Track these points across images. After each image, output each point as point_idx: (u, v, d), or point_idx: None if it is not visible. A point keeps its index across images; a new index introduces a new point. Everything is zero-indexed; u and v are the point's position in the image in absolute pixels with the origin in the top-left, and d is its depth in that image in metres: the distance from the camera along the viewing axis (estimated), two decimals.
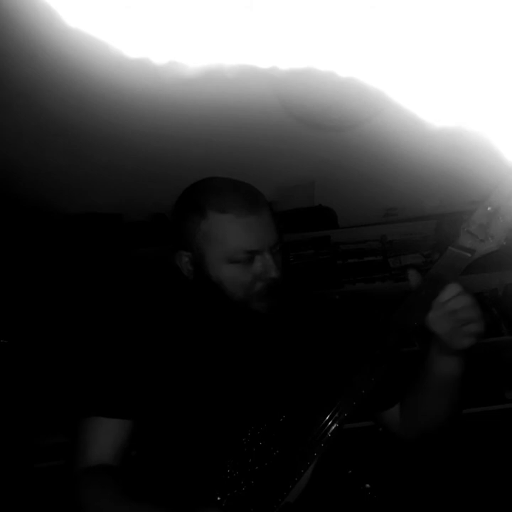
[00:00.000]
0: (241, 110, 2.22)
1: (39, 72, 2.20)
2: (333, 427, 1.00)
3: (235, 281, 1.07)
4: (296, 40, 0.66)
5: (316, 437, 1.00)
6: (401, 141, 2.00)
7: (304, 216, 2.87)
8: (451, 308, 0.97)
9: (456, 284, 0.99)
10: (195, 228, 1.08)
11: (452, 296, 0.98)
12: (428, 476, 2.25)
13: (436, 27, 0.64)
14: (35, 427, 2.36)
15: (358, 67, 0.67)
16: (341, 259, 2.83)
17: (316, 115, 2.55)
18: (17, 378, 2.35)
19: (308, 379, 1.12)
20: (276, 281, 1.07)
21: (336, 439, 1.00)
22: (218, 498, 1.00)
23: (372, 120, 2.47)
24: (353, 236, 2.86)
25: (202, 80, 0.72)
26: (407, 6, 0.64)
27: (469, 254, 0.95)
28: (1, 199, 2.37)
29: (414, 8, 0.64)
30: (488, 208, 0.92)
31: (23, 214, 2.51)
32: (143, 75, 1.45)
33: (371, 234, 2.88)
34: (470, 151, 1.06)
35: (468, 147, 0.99)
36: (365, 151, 2.53)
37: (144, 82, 1.76)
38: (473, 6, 0.62)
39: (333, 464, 1.09)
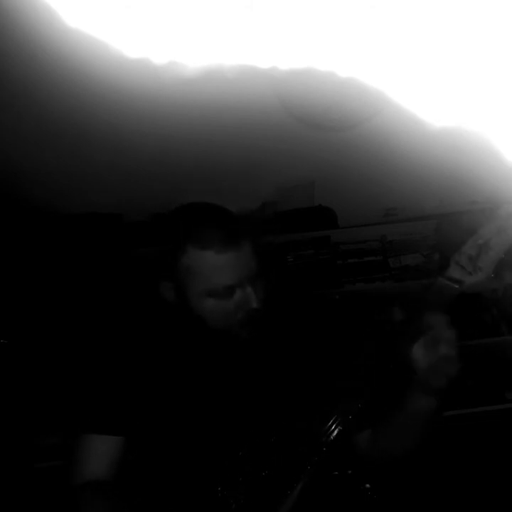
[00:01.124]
0: (241, 110, 2.22)
1: (39, 72, 2.20)
2: (318, 453, 1.02)
3: (215, 314, 1.09)
4: (296, 40, 0.66)
5: (302, 461, 1.03)
6: (401, 141, 2.00)
7: (304, 216, 2.87)
8: (435, 338, 0.99)
9: (442, 316, 0.99)
10: (176, 262, 1.09)
11: (437, 328, 0.99)
12: (428, 476, 2.25)
13: (436, 27, 0.64)
14: (35, 427, 2.36)
15: (358, 67, 0.67)
16: (341, 259, 2.83)
17: (316, 115, 2.55)
18: (17, 378, 2.35)
19: (296, 399, 1.13)
20: (258, 310, 1.09)
21: (322, 462, 1.03)
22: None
23: (372, 120, 2.47)
24: (353, 236, 2.86)
25: (202, 80, 0.72)
26: (407, 6, 0.64)
27: (457, 286, 0.96)
28: (1, 199, 2.36)
29: (414, 8, 0.64)
30: (479, 241, 0.96)
31: (23, 214, 2.51)
32: (143, 75, 1.45)
33: (371, 234, 2.87)
34: (470, 151, 1.06)
35: (468, 147, 0.99)
36: (365, 151, 2.53)
37: (144, 82, 1.76)
38: (473, 6, 0.62)
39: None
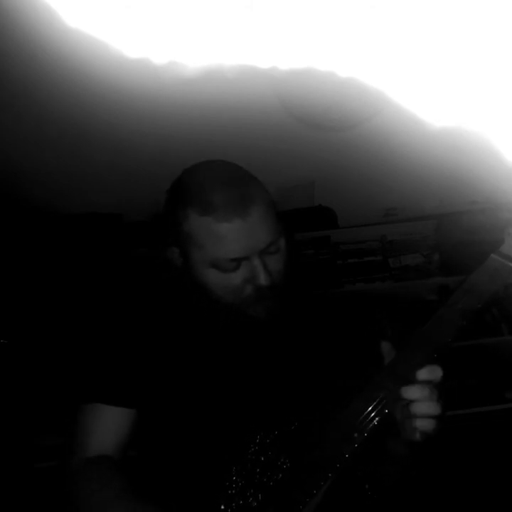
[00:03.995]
0: (241, 110, 2.22)
1: (39, 72, 2.20)
2: (352, 444, 0.86)
3: (220, 287, 0.97)
4: (296, 40, 0.66)
5: (333, 450, 0.87)
6: (401, 141, 2.00)
7: (304, 216, 2.87)
8: (408, 396, 0.85)
9: (434, 367, 0.86)
10: (179, 227, 0.98)
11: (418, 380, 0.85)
12: (428, 476, 2.25)
13: (436, 27, 0.64)
14: (35, 427, 2.36)
15: (358, 67, 0.67)
16: (341, 259, 2.83)
17: (316, 115, 2.55)
18: (17, 378, 2.35)
19: (316, 385, 1.03)
20: (270, 287, 0.96)
21: (356, 455, 0.87)
22: (222, 507, 0.93)
23: (372, 120, 2.47)
24: (353, 236, 2.86)
25: (202, 80, 0.72)
26: (407, 6, 0.64)
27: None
28: (1, 199, 2.36)
29: (414, 8, 0.64)
30: None
31: (23, 214, 2.51)
32: (143, 75, 1.45)
33: (371, 234, 2.88)
34: (470, 151, 1.06)
35: (468, 147, 0.99)
36: (365, 151, 2.53)
37: (144, 82, 1.76)
38: (473, 6, 0.62)
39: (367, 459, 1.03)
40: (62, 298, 2.51)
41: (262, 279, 0.94)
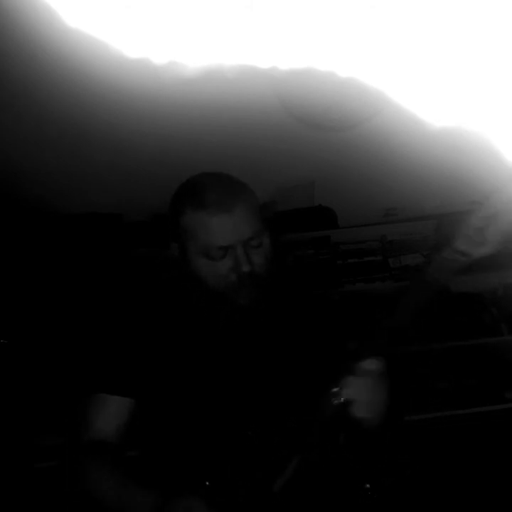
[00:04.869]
0: (241, 110, 2.22)
1: (39, 72, 2.20)
2: (317, 426, 1.07)
3: (210, 275, 1.13)
4: (296, 40, 0.66)
5: (300, 433, 1.06)
6: (401, 141, 2.00)
7: (304, 216, 2.87)
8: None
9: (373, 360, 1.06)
10: (178, 223, 1.15)
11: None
12: (428, 476, 2.25)
13: (436, 27, 0.64)
14: (35, 427, 2.36)
15: (358, 67, 0.67)
16: (341, 259, 2.83)
17: (316, 115, 2.56)
18: (17, 378, 2.35)
19: (289, 374, 1.17)
20: (251, 275, 1.11)
21: (319, 437, 1.07)
22: (207, 483, 1.06)
23: (372, 120, 2.47)
24: (353, 236, 2.86)
25: (202, 80, 0.72)
26: (407, 6, 0.64)
27: (464, 258, 0.95)
28: (1, 199, 2.37)
29: (414, 8, 0.64)
30: (485, 212, 0.90)
31: (23, 214, 2.51)
32: (143, 75, 1.45)
33: (371, 234, 2.87)
34: (470, 151, 1.06)
35: (468, 147, 0.99)
36: (365, 151, 2.54)
37: (144, 82, 1.76)
38: (473, 6, 0.62)
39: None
40: (62, 298, 2.51)
41: (244, 267, 1.10)
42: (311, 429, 1.07)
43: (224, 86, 1.38)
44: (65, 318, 2.48)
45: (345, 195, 2.83)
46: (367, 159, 2.58)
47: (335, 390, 1.04)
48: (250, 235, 1.12)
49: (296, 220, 2.84)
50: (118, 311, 1.29)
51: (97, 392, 1.18)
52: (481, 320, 2.75)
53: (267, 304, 1.18)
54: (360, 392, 1.04)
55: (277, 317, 1.22)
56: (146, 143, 2.45)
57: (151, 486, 1.06)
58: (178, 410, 1.16)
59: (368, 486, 1.18)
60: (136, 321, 1.22)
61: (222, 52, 0.65)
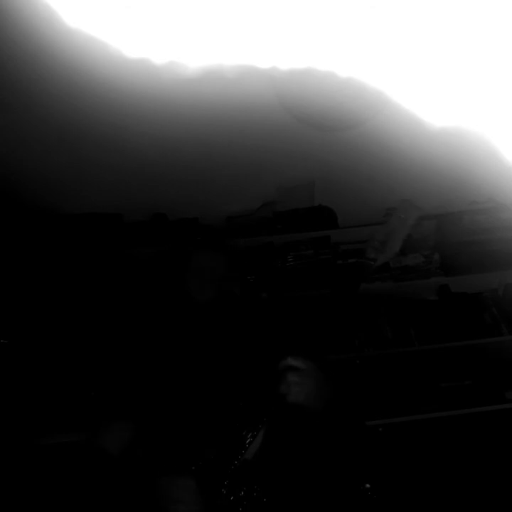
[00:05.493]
0: (241, 110, 2.22)
1: (39, 72, 2.20)
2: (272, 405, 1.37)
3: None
4: (296, 40, 0.66)
5: (260, 411, 1.36)
6: (401, 141, 2.00)
7: (304, 216, 2.87)
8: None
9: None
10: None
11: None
12: (428, 476, 2.25)
13: (436, 27, 0.64)
14: (35, 427, 2.36)
15: (358, 67, 0.67)
16: (341, 259, 2.83)
17: (316, 115, 2.55)
18: (17, 378, 2.35)
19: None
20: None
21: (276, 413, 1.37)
22: (192, 468, 1.32)
23: (372, 120, 2.47)
24: (353, 236, 2.86)
25: (202, 80, 0.72)
26: (407, 6, 0.64)
27: (373, 263, 1.45)
28: (2, 199, 2.37)
29: (414, 8, 0.64)
30: (387, 229, 1.41)
31: (23, 214, 2.51)
32: (143, 75, 1.45)
33: (371, 234, 2.87)
34: (470, 151, 1.06)
35: (468, 147, 0.99)
36: (365, 151, 2.53)
37: (144, 82, 1.76)
38: (473, 6, 0.62)
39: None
40: (62, 298, 2.51)
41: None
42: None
43: (224, 86, 1.38)
44: (64, 319, 2.48)
45: (345, 195, 2.83)
46: (367, 159, 2.58)
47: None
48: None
49: (296, 220, 2.84)
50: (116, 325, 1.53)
51: (99, 420, 1.41)
52: (481, 320, 2.75)
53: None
54: (298, 382, 1.30)
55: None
56: (146, 143, 2.45)
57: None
58: (171, 408, 1.38)
59: (367, 486, 1.22)
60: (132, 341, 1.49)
61: (222, 52, 0.65)
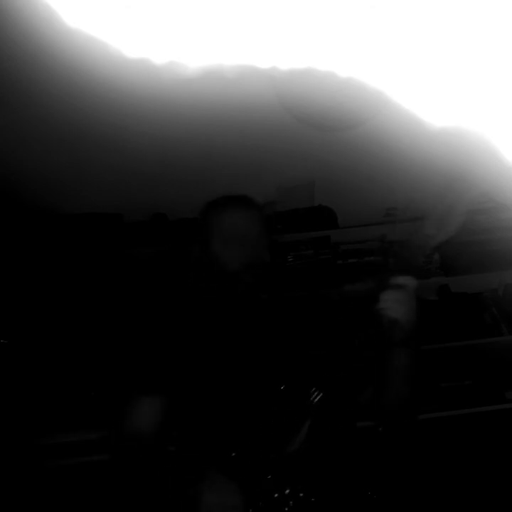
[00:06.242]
0: (241, 110, 2.22)
1: (39, 72, 2.20)
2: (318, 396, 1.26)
3: (229, 259, 1.40)
4: (296, 40, 0.66)
5: (307, 403, 1.25)
6: (401, 141, 2.00)
7: (304, 216, 2.87)
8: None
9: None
10: (206, 224, 1.46)
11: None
12: (428, 476, 2.25)
13: (436, 27, 0.64)
14: (35, 427, 2.36)
15: (358, 67, 0.67)
16: (341, 259, 2.83)
17: (316, 115, 2.55)
18: (17, 378, 2.35)
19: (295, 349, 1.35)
20: (258, 260, 1.41)
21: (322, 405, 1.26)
22: (233, 454, 1.22)
23: (372, 120, 2.47)
24: (353, 236, 2.86)
25: (202, 80, 0.72)
26: (407, 6, 0.64)
27: (431, 241, 1.27)
28: (2, 199, 2.37)
29: (414, 8, 0.64)
30: (446, 205, 1.24)
31: (23, 214, 2.51)
32: (143, 75, 1.45)
33: (371, 234, 2.87)
34: (470, 151, 1.06)
35: (468, 147, 0.99)
36: (365, 151, 2.53)
37: (144, 82, 1.76)
38: (473, 7, 0.62)
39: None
40: (62, 298, 2.51)
41: (254, 254, 1.41)
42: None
43: (224, 86, 1.38)
44: (64, 318, 2.48)
45: (345, 195, 2.83)
46: (367, 159, 2.57)
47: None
48: (259, 232, 1.42)
49: (296, 220, 2.84)
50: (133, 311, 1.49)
51: (132, 394, 1.32)
52: (481, 320, 2.75)
53: (267, 282, 1.43)
54: (397, 300, 1.23)
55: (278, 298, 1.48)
56: (146, 143, 2.45)
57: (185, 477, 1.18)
58: (202, 390, 1.29)
59: (368, 489, 1.22)
60: (159, 320, 1.42)
61: (222, 52, 0.65)
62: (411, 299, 1.25)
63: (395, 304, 1.23)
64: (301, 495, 1.18)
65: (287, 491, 1.18)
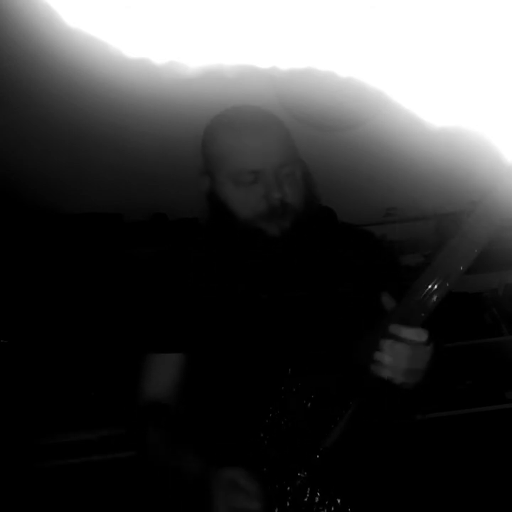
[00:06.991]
0: None
1: (39, 72, 2.20)
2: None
3: (239, 202, 1.08)
4: (296, 40, 0.66)
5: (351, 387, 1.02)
6: (401, 141, 2.00)
7: None
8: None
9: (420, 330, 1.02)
10: (209, 150, 1.12)
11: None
12: (428, 476, 2.25)
13: (436, 27, 0.64)
14: (35, 427, 2.36)
15: (358, 67, 0.67)
16: None
17: (316, 115, 2.55)
18: (17, 378, 2.35)
19: (324, 312, 1.12)
20: (284, 203, 1.06)
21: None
22: (261, 435, 1.03)
23: (372, 120, 2.47)
24: None
25: (202, 80, 0.72)
26: (407, 6, 0.64)
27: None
28: (1, 199, 2.36)
29: (414, 8, 0.64)
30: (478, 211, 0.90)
31: (23, 214, 2.51)
32: (143, 75, 1.45)
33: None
34: (470, 151, 1.06)
35: (468, 147, 0.99)
36: (365, 151, 2.53)
37: (144, 82, 1.76)
38: (473, 7, 0.62)
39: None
40: (62, 298, 2.51)
41: (275, 193, 1.04)
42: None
43: (224, 86, 1.38)
44: (64, 318, 2.48)
45: (345, 195, 2.82)
46: (367, 159, 2.57)
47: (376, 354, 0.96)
48: (282, 161, 1.07)
49: None
50: (154, 275, 1.28)
51: (146, 353, 1.18)
52: (481, 320, 2.75)
53: (301, 238, 1.10)
54: (400, 359, 0.96)
55: (312, 252, 1.13)
56: (146, 143, 2.45)
57: (199, 451, 1.04)
58: (225, 358, 1.12)
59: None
60: (171, 278, 1.20)
61: (222, 52, 0.65)
62: (419, 354, 1.01)
63: (394, 361, 0.96)
64: (338, 501, 1.01)
65: (319, 494, 1.01)
